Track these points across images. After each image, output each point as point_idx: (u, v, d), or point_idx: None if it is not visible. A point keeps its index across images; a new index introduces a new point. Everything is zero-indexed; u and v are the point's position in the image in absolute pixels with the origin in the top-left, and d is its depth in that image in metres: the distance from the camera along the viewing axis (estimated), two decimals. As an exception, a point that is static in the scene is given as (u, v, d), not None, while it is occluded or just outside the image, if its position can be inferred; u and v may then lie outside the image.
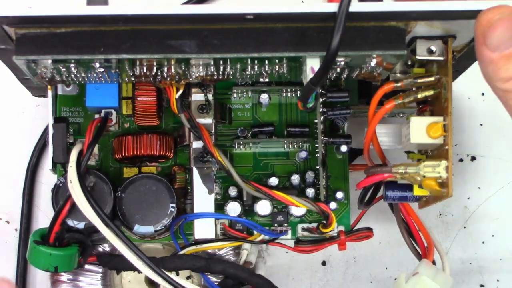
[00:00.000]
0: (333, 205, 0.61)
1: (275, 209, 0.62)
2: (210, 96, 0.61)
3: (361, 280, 0.76)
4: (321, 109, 0.62)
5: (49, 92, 0.62)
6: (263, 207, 0.60)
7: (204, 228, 0.60)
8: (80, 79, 0.55)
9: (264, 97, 0.64)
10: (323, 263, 0.76)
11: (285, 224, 0.63)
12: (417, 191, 0.58)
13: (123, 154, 0.62)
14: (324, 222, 0.60)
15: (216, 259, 0.65)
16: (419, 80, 0.56)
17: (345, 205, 0.64)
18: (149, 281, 0.73)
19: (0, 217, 0.76)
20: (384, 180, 0.58)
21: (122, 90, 0.64)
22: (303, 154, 0.62)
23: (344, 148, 0.62)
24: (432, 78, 0.56)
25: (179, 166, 0.64)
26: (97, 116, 0.63)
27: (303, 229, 0.61)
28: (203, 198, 0.60)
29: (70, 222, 0.59)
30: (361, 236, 0.63)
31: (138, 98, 0.61)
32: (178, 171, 0.63)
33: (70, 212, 0.58)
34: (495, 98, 0.51)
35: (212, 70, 0.53)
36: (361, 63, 0.53)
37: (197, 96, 0.61)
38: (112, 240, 0.56)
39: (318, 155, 0.63)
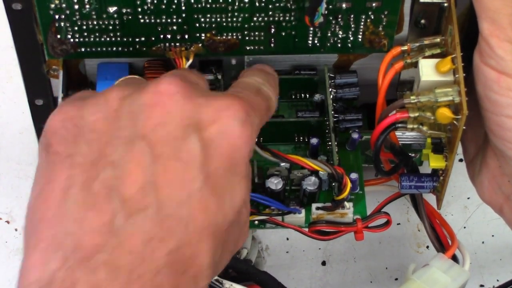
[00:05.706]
0: (354, 175, 0.60)
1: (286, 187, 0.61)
2: (219, 76, 0.61)
3: (361, 280, 0.76)
4: (330, 89, 0.62)
5: (61, 72, 0.63)
6: (275, 182, 0.60)
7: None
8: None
9: None
10: (323, 263, 0.76)
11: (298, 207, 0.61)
12: (432, 161, 0.58)
13: None
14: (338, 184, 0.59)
15: None
16: (425, 42, 0.57)
17: (361, 195, 0.63)
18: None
19: (0, 217, 0.76)
20: (397, 121, 0.56)
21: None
22: (314, 141, 0.61)
23: (355, 135, 0.62)
24: (438, 39, 0.57)
25: None
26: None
27: (318, 208, 0.60)
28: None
29: None
30: (378, 220, 0.61)
31: (148, 76, 0.61)
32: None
33: None
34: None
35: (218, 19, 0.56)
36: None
37: (207, 76, 0.61)
38: None
39: (329, 122, 0.62)
